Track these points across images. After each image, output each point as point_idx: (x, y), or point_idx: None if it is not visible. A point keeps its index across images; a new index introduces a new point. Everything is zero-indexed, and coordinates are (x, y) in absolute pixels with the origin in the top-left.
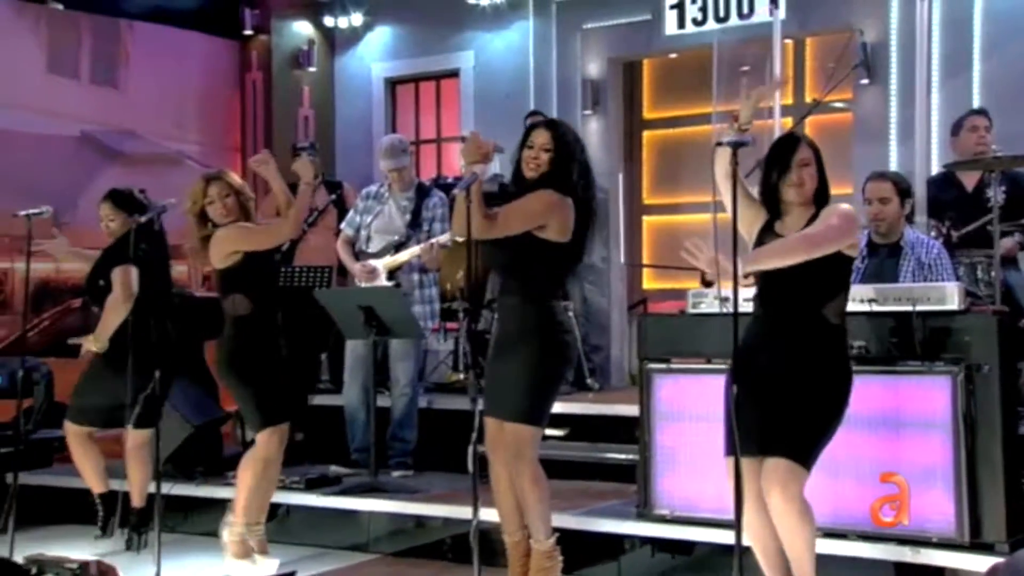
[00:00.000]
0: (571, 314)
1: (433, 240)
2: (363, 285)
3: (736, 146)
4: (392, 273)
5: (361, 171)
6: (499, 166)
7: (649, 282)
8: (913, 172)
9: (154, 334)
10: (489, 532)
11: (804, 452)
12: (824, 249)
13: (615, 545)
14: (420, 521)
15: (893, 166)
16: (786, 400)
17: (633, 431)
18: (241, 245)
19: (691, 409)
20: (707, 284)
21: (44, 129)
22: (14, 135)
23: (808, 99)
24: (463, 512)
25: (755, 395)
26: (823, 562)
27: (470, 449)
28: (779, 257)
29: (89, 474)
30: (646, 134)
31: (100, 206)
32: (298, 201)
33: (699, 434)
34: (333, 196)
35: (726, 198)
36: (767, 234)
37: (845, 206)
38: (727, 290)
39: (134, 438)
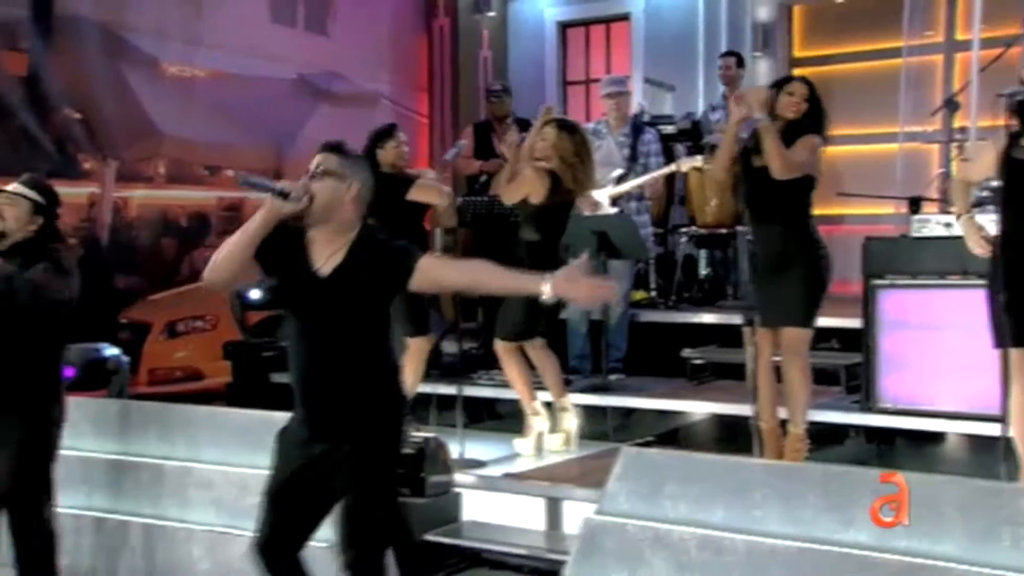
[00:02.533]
0: None
1: (656, 172)
2: (586, 214)
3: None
4: (614, 201)
5: (533, 111)
6: (671, 106)
7: None
8: None
9: None
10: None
11: None
12: None
13: (836, 434)
14: (655, 414)
15: None
16: None
17: (824, 340)
18: None
19: (910, 319)
20: (914, 211)
21: (269, 72)
22: (244, 79)
23: (959, 36)
24: (686, 406)
25: None
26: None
27: (747, 354)
28: None
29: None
30: (796, 72)
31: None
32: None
33: (917, 340)
34: (524, 135)
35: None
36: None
37: None
38: (949, 217)
39: (416, 344)
